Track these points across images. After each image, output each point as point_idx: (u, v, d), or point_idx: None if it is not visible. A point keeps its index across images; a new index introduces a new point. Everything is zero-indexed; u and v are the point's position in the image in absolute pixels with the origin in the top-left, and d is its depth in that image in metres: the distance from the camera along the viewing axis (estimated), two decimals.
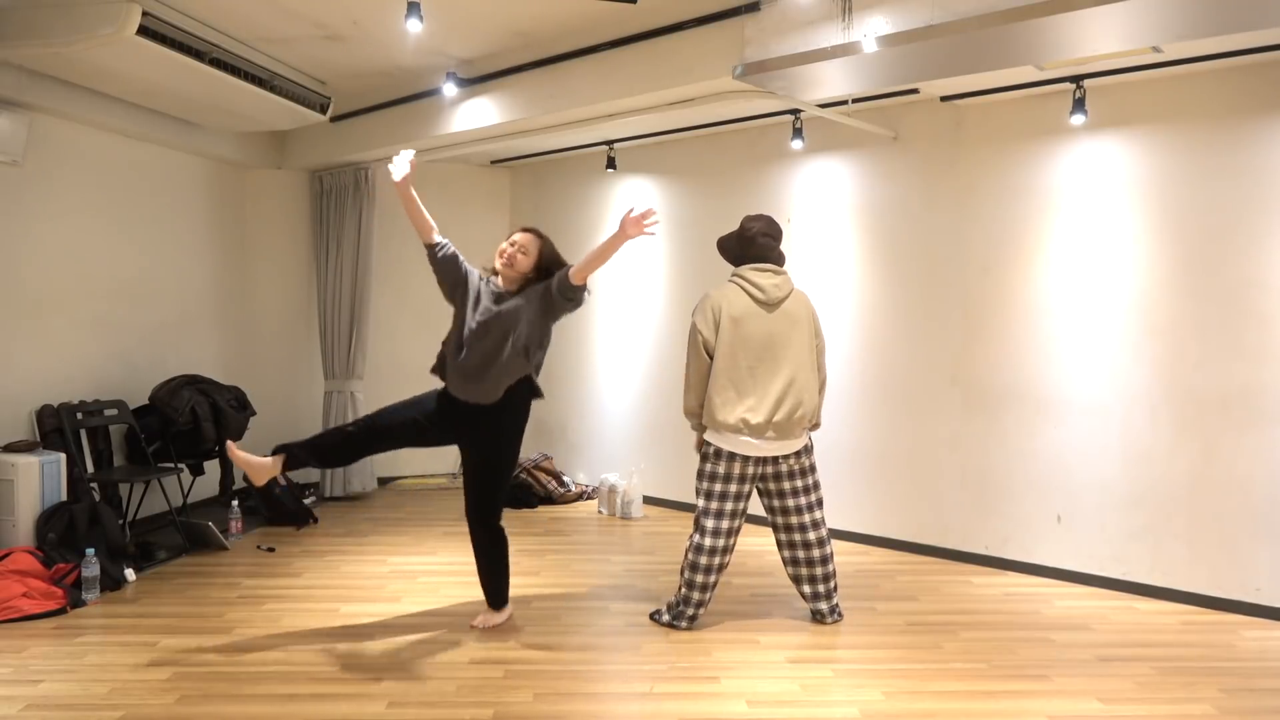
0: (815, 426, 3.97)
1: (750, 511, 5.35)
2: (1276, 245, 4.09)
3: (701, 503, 3.88)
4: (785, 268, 4.01)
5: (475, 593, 4.33)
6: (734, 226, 4.08)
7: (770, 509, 3.98)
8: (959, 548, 4.98)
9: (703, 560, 3.84)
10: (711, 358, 3.83)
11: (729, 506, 3.84)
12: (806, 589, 3.99)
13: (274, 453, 3.77)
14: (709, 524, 3.84)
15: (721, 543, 3.84)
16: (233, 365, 6.36)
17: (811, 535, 3.93)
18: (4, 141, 4.58)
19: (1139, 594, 4.40)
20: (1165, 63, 4.15)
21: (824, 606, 3.98)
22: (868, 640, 3.81)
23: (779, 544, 4.03)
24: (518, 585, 4.49)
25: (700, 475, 3.90)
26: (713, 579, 3.86)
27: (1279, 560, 4.08)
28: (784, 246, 5.60)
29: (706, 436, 3.87)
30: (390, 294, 6.82)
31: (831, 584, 4.00)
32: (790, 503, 3.92)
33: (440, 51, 5.17)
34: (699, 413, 3.90)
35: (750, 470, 3.83)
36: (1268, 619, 4.07)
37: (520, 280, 3.83)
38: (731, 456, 3.80)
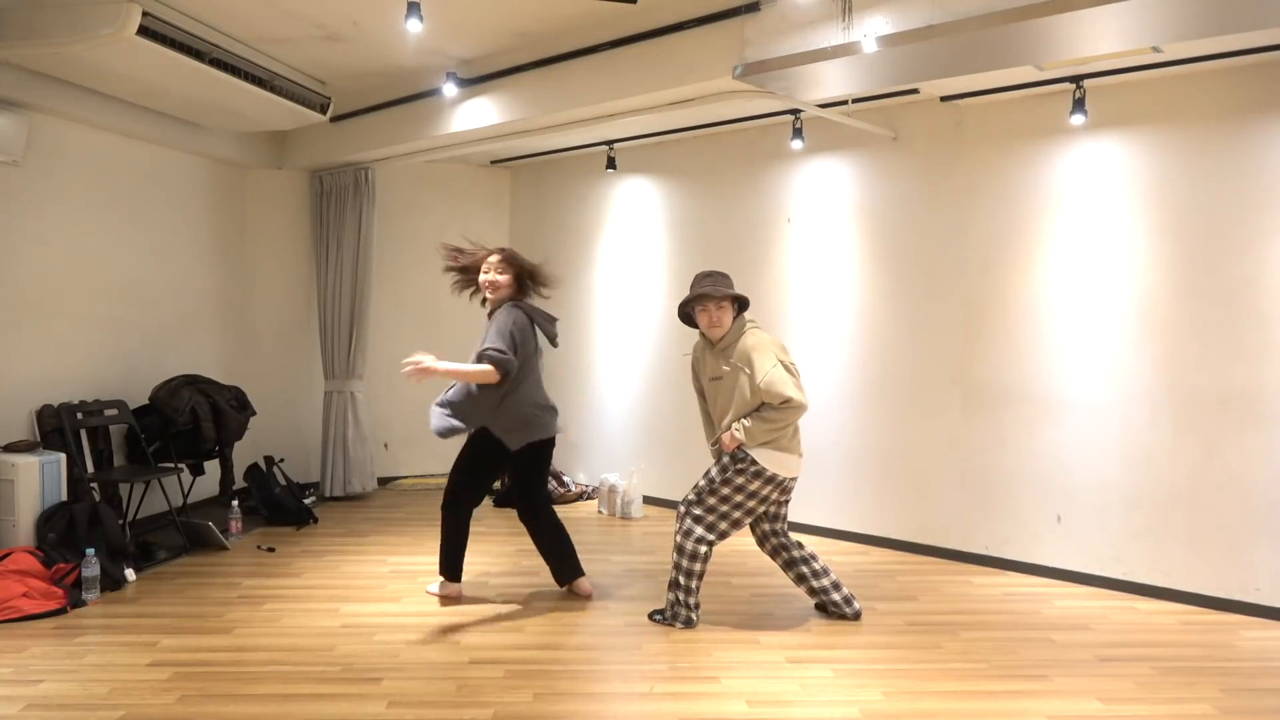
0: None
1: None
2: (1276, 245, 4.09)
3: (724, 508, 3.84)
4: (744, 311, 3.96)
5: (477, 592, 4.37)
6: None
7: (768, 515, 4.02)
8: (959, 548, 4.98)
9: (700, 563, 3.87)
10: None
11: (746, 520, 3.90)
12: (825, 583, 4.02)
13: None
14: (726, 530, 3.87)
15: (721, 545, 3.87)
16: (233, 365, 6.36)
17: (794, 535, 4.07)
18: (4, 141, 4.58)
19: (1139, 594, 4.40)
20: (1165, 63, 4.14)
21: (838, 595, 4.02)
22: (868, 640, 3.81)
23: (775, 551, 4.05)
24: (518, 585, 4.50)
25: (736, 487, 3.81)
26: (702, 570, 3.90)
27: (1279, 560, 4.08)
28: (784, 247, 5.64)
29: (757, 455, 3.77)
30: (390, 294, 6.82)
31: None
32: (783, 510, 4.04)
33: (440, 51, 5.17)
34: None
35: (775, 495, 3.90)
36: (1268, 619, 4.07)
37: (504, 298, 4.22)
38: (772, 477, 3.80)
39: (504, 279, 4.18)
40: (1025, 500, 4.76)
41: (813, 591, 4.04)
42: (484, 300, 4.30)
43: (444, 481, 4.29)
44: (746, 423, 3.75)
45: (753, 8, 4.12)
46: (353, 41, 4.98)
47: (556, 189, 6.91)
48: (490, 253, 4.25)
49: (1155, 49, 3.85)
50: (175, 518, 5.19)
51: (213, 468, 5.66)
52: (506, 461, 4.16)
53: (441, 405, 4.10)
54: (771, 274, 5.64)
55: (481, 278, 4.21)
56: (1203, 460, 4.25)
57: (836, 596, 4.02)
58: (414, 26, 4.07)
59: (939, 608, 4.22)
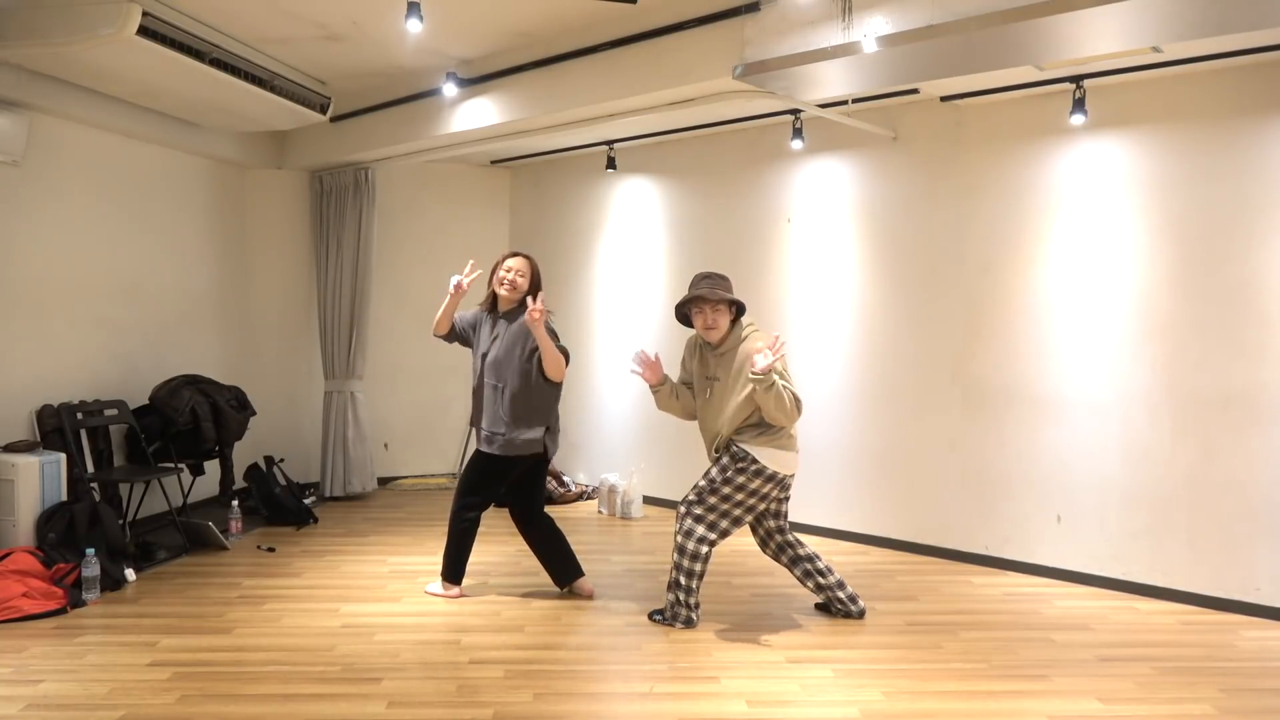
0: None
1: None
2: (1276, 245, 4.09)
3: (725, 507, 3.82)
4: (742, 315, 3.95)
5: (477, 592, 4.38)
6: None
7: (769, 512, 4.01)
8: (959, 548, 4.98)
9: (701, 564, 3.86)
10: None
11: (748, 519, 3.89)
12: (831, 580, 4.02)
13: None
14: (728, 529, 3.86)
15: (721, 545, 3.86)
16: (233, 365, 6.36)
17: (794, 535, 4.05)
18: (4, 141, 4.58)
19: (1139, 594, 4.40)
20: (1165, 63, 4.15)
21: (843, 594, 4.03)
22: (868, 640, 3.81)
23: (780, 550, 4.04)
24: (518, 585, 4.51)
25: (737, 486, 3.79)
26: (703, 570, 3.90)
27: (1279, 560, 4.08)
28: (784, 247, 5.64)
29: (758, 455, 3.76)
30: (390, 294, 6.82)
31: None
32: (784, 508, 4.02)
33: (440, 51, 5.17)
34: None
35: (776, 492, 3.88)
36: (1268, 619, 4.07)
37: (519, 299, 4.17)
38: (773, 475, 3.79)
39: (524, 282, 4.15)
40: (1025, 500, 4.76)
41: (819, 588, 4.04)
42: (486, 303, 4.26)
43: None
44: (781, 380, 3.65)
45: (753, 8, 4.12)
46: (353, 41, 4.98)
47: (556, 189, 6.91)
48: (511, 254, 4.24)
49: (1155, 49, 3.85)
50: (175, 518, 5.19)
51: (213, 468, 5.67)
52: (515, 468, 4.16)
53: (496, 433, 4.09)
54: (771, 274, 5.64)
55: (501, 274, 4.15)
56: (1203, 460, 4.25)
57: (842, 594, 4.03)
58: (414, 26, 4.06)
59: (939, 608, 4.22)
